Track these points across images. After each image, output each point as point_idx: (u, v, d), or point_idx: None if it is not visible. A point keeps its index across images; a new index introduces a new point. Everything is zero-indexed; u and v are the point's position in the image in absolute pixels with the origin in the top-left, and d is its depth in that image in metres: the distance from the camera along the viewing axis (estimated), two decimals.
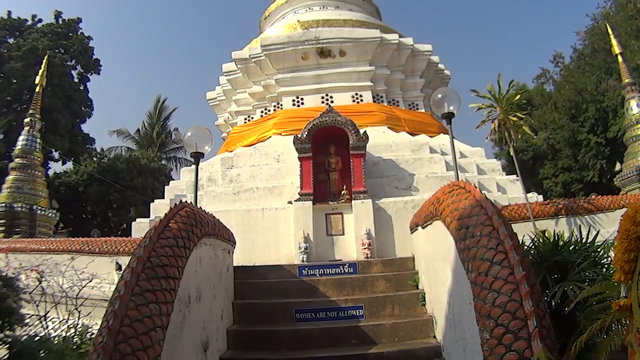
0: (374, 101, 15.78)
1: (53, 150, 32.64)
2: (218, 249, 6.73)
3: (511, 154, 10.39)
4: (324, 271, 8.49)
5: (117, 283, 4.60)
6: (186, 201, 6.16)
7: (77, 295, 7.90)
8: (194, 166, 16.39)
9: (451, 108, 10.05)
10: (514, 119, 9.74)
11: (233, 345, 6.72)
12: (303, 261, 10.43)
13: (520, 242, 5.04)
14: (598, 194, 13.54)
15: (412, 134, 15.01)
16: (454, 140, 15.98)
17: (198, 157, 10.32)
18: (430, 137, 15.28)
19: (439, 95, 10.19)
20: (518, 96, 10.06)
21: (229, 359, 6.29)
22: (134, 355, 3.89)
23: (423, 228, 7.16)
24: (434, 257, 6.54)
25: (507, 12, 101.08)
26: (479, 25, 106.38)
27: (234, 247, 8.12)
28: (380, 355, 6.22)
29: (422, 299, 7.39)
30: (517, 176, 10.55)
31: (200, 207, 6.67)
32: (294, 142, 11.86)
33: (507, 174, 15.08)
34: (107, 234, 27.44)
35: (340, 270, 8.55)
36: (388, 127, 14.81)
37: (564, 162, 33.63)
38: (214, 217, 6.80)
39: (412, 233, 8.56)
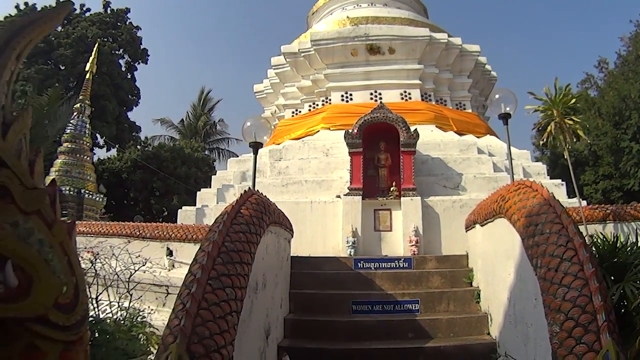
0: (422, 99, 15.77)
1: (98, 136, 33.38)
2: (281, 237, 6.88)
3: (565, 156, 10.31)
4: (379, 265, 8.61)
5: (191, 266, 4.66)
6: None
7: (128, 279, 8.12)
8: (241, 156, 16.84)
9: (507, 109, 10.03)
10: (570, 122, 9.67)
11: (290, 333, 6.87)
12: (350, 255, 10.50)
13: None
14: (638, 203, 13.39)
15: (460, 134, 14.97)
16: (500, 141, 16.06)
17: (257, 146, 10.44)
18: (477, 137, 15.22)
19: (496, 96, 10.19)
20: (574, 99, 9.98)
21: (287, 347, 6.39)
22: (211, 338, 3.91)
23: (482, 226, 7.22)
24: (494, 254, 6.61)
25: (552, 16, 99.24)
26: (523, 29, 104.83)
27: (292, 237, 8.27)
28: (437, 349, 6.32)
29: (477, 296, 7.47)
30: (571, 181, 10.46)
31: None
32: (344, 137, 11.96)
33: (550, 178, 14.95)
34: (148, 220, 27.93)
35: (396, 265, 8.65)
36: (436, 126, 14.79)
37: (605, 169, 33.01)
38: (276, 206, 6.94)
39: (467, 231, 8.61)
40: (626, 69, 35.07)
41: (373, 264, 8.66)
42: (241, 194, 5.88)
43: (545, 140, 10.25)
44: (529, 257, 4.83)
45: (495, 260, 6.52)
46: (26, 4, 33.43)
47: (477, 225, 7.60)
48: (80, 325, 2.27)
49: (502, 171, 13.48)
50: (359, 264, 8.72)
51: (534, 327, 4.77)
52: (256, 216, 5.42)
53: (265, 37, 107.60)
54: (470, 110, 17.05)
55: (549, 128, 9.84)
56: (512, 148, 15.58)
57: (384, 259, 8.93)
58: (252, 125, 10.46)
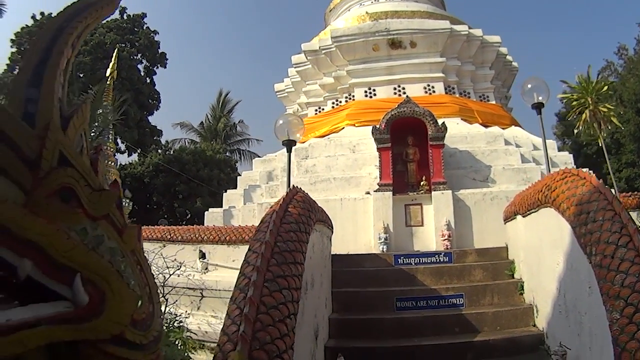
0: (446, 92, 15.68)
1: (119, 141, 33.61)
2: (324, 235, 6.84)
3: (600, 144, 10.20)
4: (419, 260, 8.57)
5: (241, 268, 4.56)
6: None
7: (163, 284, 8.09)
8: (266, 156, 16.82)
9: (540, 98, 9.91)
10: (604, 109, 9.55)
11: (335, 333, 6.79)
12: (383, 251, 10.45)
13: None
14: None
15: (485, 126, 14.85)
16: (525, 132, 15.91)
17: (290, 144, 10.43)
18: (503, 128, 15.09)
19: (529, 85, 10.07)
20: (606, 87, 9.85)
21: (333, 347, 6.31)
22: (273, 343, 3.77)
23: (524, 217, 7.16)
24: (539, 244, 6.56)
25: (569, 3, 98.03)
26: (538, 17, 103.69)
27: (332, 234, 8.23)
28: (485, 342, 6.29)
29: (521, 288, 7.43)
30: (597, 170, 10.37)
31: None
32: (372, 133, 11.90)
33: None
34: (172, 224, 28.09)
35: (436, 259, 8.61)
36: (461, 119, 14.69)
37: (628, 157, 32.59)
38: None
39: (506, 223, 8.54)
40: None
41: (414, 259, 8.62)
42: (287, 192, 5.86)
43: (579, 128, 10.12)
44: (581, 245, 4.80)
45: (541, 251, 6.47)
46: (42, 13, 33.73)
47: (519, 217, 7.53)
48: (157, 342, 2.07)
49: (529, 162, 13.36)
50: (399, 259, 8.68)
51: (589, 315, 4.76)
52: (304, 214, 5.38)
53: (282, 36, 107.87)
54: (493, 102, 16.95)
55: (583, 116, 9.73)
56: (538, 138, 15.51)
57: (424, 254, 8.89)
58: (284, 123, 10.43)
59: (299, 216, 5.27)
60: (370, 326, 6.95)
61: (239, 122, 43.83)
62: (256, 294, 4.00)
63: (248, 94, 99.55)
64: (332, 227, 7.95)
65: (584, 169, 13.87)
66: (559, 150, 34.57)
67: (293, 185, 6.34)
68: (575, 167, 14.72)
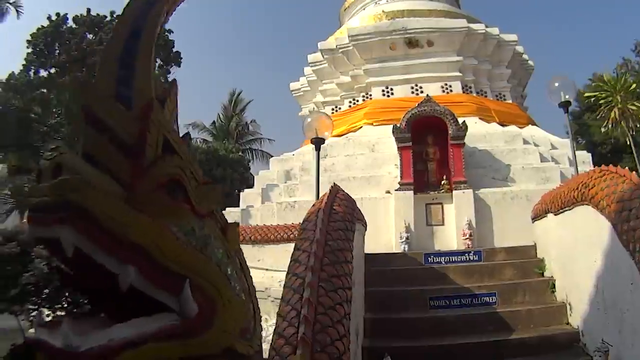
0: (463, 92, 15.64)
1: None
2: (361, 234, 6.82)
3: (628, 143, 10.18)
4: (449, 259, 8.60)
5: (291, 268, 4.44)
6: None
7: None
8: (283, 155, 16.82)
9: (567, 97, 9.89)
10: (634, 107, 9.51)
11: (369, 333, 6.74)
12: (404, 251, 10.44)
13: None
14: None
15: (502, 125, 14.83)
16: (543, 131, 15.84)
17: (319, 143, 10.41)
18: (520, 128, 15.07)
19: (556, 84, 10.05)
20: (634, 85, 9.81)
21: (369, 347, 6.25)
22: (333, 345, 3.63)
23: (556, 215, 7.20)
24: (573, 242, 6.62)
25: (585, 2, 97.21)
26: (554, 15, 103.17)
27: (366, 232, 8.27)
28: (521, 340, 6.35)
29: (552, 286, 7.49)
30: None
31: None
32: (393, 132, 11.90)
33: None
34: None
35: (466, 258, 8.66)
36: (479, 118, 14.66)
37: None
38: None
39: (534, 221, 8.58)
40: None
41: (443, 258, 8.66)
42: (329, 189, 5.84)
43: (607, 126, 10.11)
44: (622, 242, 4.84)
45: (575, 249, 6.53)
46: (57, 14, 33.80)
47: (550, 215, 7.57)
48: (261, 353, 1.89)
49: (548, 161, 13.32)
50: (429, 258, 8.71)
51: (631, 312, 4.82)
52: (349, 212, 5.38)
53: (293, 35, 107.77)
54: (510, 101, 16.91)
55: (612, 114, 9.70)
56: (555, 137, 15.53)
57: (454, 253, 8.96)
58: (313, 121, 10.44)
59: (344, 214, 5.25)
60: (404, 325, 6.95)
61: (251, 121, 43.82)
62: (313, 295, 3.88)
63: (259, 93, 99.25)
64: (366, 226, 7.98)
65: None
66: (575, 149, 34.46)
67: (334, 183, 6.33)
68: (593, 166, 14.73)
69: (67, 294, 5.64)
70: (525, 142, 13.86)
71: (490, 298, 7.33)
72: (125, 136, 1.42)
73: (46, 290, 5.19)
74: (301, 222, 7.86)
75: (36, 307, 6.26)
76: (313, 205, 5.46)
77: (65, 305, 6.10)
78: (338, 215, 5.13)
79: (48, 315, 5.87)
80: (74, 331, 1.34)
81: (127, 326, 1.38)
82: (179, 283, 1.45)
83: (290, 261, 4.58)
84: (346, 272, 4.46)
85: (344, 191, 6.15)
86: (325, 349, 3.55)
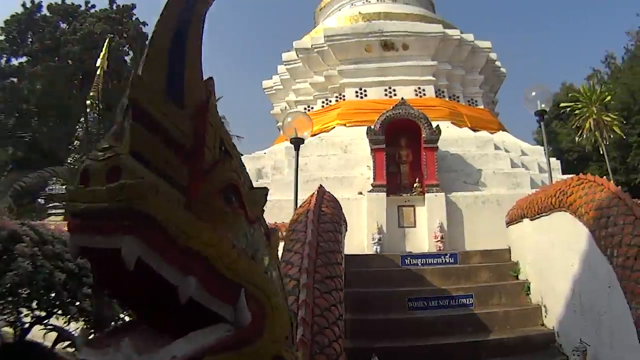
0: (436, 96, 15.77)
1: None
2: (342, 236, 6.78)
3: (602, 152, 10.38)
4: (425, 261, 8.69)
5: (284, 270, 4.35)
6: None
7: None
8: (254, 153, 16.63)
9: (543, 105, 10.02)
10: (608, 118, 9.70)
11: (349, 334, 6.58)
12: (377, 252, 10.44)
13: None
14: None
15: (474, 130, 15.00)
16: (514, 137, 16.06)
17: (298, 143, 10.23)
18: (491, 133, 15.25)
19: (532, 93, 10.18)
20: (609, 97, 10.01)
21: (350, 348, 6.08)
22: (330, 347, 3.64)
23: (532, 220, 7.36)
24: (549, 247, 6.77)
25: (557, 11, 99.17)
26: (525, 23, 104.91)
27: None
28: (500, 341, 6.46)
29: (527, 289, 7.63)
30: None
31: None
32: (367, 133, 11.89)
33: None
34: None
35: (442, 260, 8.76)
36: (451, 122, 14.77)
37: (610, 164, 33.07)
38: None
39: (509, 226, 8.73)
40: (634, 63, 35.03)
41: (420, 260, 8.71)
42: (317, 190, 5.74)
43: (583, 136, 10.30)
44: (600, 248, 4.98)
45: (552, 253, 6.68)
46: (32, 1, 33.04)
47: (526, 220, 7.72)
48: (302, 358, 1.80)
49: (518, 167, 13.51)
50: (406, 260, 8.74)
51: (608, 314, 4.95)
52: (337, 214, 5.35)
53: (264, 34, 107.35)
54: (482, 107, 17.12)
55: (587, 124, 9.87)
56: (525, 144, 15.77)
57: (430, 255, 9.08)
58: (292, 121, 10.32)
59: (332, 215, 5.21)
60: (384, 326, 6.90)
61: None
62: (309, 296, 3.85)
63: (228, 90, 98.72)
64: (347, 227, 7.95)
65: (570, 175, 14.23)
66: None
67: (320, 185, 6.26)
68: (562, 172, 14.98)
69: (52, 294, 5.36)
70: (497, 147, 14.04)
71: (467, 300, 7.41)
72: (181, 137, 1.33)
73: (27, 290, 4.94)
74: (274, 221, 7.81)
75: (14, 306, 5.91)
76: (300, 206, 5.39)
77: (56, 310, 5.77)
78: (327, 217, 5.11)
79: (26, 316, 5.56)
80: (136, 350, 1.27)
81: (185, 341, 1.33)
82: (235, 292, 1.41)
83: (281, 262, 4.46)
84: (338, 274, 4.46)
85: (329, 192, 6.09)
86: (323, 350, 3.58)
